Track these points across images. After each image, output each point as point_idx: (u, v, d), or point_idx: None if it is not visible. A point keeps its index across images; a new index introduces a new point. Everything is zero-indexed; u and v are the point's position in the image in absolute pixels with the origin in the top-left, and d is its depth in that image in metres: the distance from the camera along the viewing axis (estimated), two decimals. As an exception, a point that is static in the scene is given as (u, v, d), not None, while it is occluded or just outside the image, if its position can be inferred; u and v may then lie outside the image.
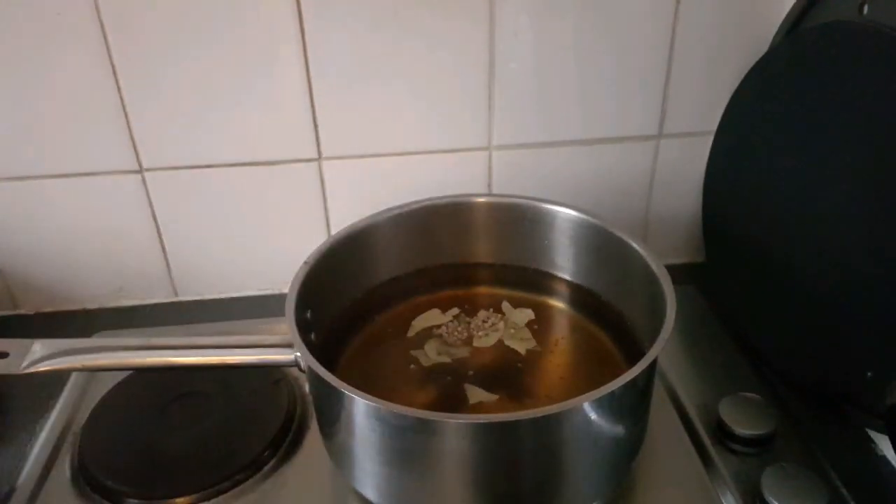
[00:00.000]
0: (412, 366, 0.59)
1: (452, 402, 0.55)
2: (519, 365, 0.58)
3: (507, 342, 0.60)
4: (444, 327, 0.62)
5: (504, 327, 0.62)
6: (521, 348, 0.60)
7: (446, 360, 0.59)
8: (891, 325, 0.53)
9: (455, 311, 0.64)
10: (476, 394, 0.55)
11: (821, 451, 0.56)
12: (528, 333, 0.61)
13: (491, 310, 0.64)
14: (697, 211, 0.76)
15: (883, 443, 0.58)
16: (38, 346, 0.52)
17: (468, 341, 0.61)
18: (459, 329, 0.62)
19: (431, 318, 0.63)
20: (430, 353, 0.59)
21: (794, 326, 0.62)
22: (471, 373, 0.57)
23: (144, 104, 0.67)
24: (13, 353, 0.51)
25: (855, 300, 0.56)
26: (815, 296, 0.60)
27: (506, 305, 0.64)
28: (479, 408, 0.54)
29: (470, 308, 0.64)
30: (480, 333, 0.61)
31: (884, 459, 0.57)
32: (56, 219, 0.73)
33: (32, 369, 0.51)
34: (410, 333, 0.62)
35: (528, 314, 0.62)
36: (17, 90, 0.66)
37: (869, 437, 0.58)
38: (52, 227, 0.73)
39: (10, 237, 0.74)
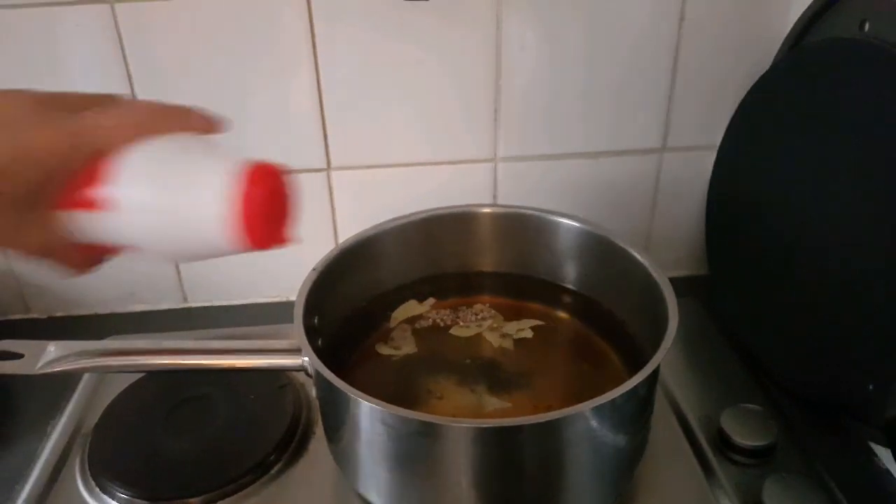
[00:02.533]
0: (393, 359, 0.60)
1: (457, 405, 0.56)
2: (522, 372, 0.59)
3: (485, 334, 0.62)
4: (431, 316, 0.64)
5: (490, 325, 0.63)
6: (495, 342, 0.61)
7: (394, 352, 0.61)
8: (892, 337, 0.53)
9: (432, 300, 0.65)
10: (490, 402, 0.56)
11: (821, 463, 0.56)
12: (510, 340, 0.62)
13: (488, 304, 0.65)
14: (700, 223, 0.77)
15: (884, 455, 0.58)
16: (53, 348, 0.53)
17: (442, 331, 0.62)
18: (446, 318, 0.64)
19: (409, 309, 0.64)
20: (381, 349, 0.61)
21: (795, 338, 0.63)
22: (480, 379, 0.58)
23: (158, 113, 0.68)
24: (28, 354, 0.53)
25: (857, 313, 0.56)
26: (816, 308, 0.60)
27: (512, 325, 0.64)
28: (487, 414, 0.55)
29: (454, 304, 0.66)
30: (461, 323, 0.63)
31: (885, 472, 0.57)
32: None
33: (47, 370, 0.52)
34: (392, 325, 0.63)
35: (527, 333, 0.63)
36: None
37: (870, 450, 0.59)
38: (65, 232, 0.74)
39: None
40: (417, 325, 0.63)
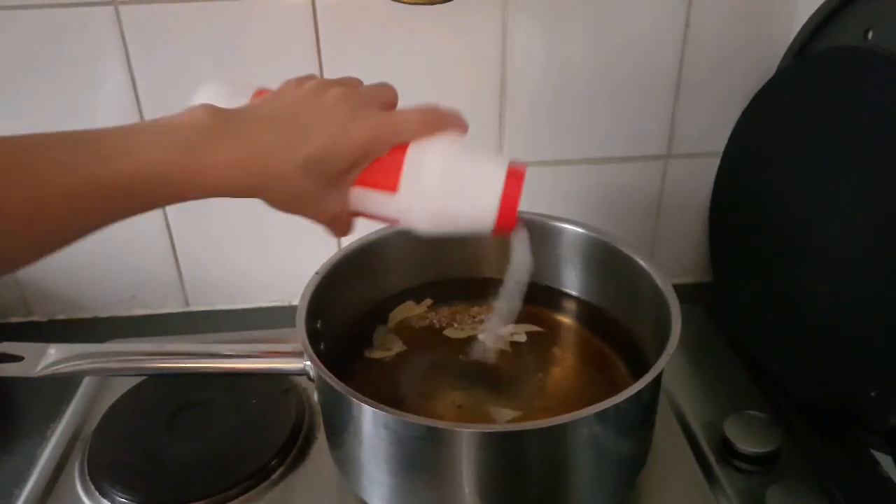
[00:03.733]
0: (392, 362, 0.60)
1: (459, 409, 0.55)
2: (525, 377, 0.59)
3: (480, 337, 0.62)
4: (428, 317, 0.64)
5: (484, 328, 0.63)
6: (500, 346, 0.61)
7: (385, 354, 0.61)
8: (896, 345, 0.53)
9: (428, 301, 0.65)
10: (501, 414, 0.55)
11: (825, 470, 0.56)
12: (504, 343, 0.62)
13: (486, 309, 0.65)
14: (704, 230, 0.77)
15: (887, 463, 0.58)
16: (53, 350, 0.53)
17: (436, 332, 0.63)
18: (443, 321, 0.64)
19: (406, 309, 0.64)
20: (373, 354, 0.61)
21: (799, 346, 0.63)
22: (482, 384, 0.58)
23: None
24: (28, 356, 0.53)
25: (860, 320, 0.56)
26: (820, 315, 0.60)
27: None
28: (489, 418, 0.55)
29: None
30: (456, 325, 0.63)
31: (888, 479, 0.57)
32: (71, 227, 0.74)
33: (48, 372, 0.52)
34: (389, 325, 0.63)
35: (520, 337, 0.62)
36: (38, 104, 0.67)
37: (873, 457, 0.59)
38: (67, 235, 0.74)
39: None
40: (415, 326, 0.63)
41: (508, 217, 0.45)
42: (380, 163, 0.43)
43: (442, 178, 0.44)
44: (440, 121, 0.45)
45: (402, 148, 0.44)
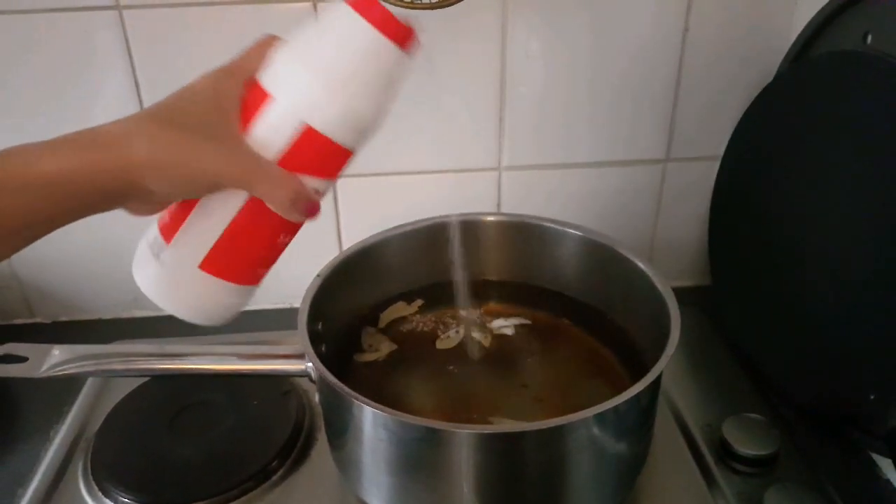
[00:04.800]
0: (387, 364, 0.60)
1: (460, 415, 0.56)
2: (525, 380, 0.59)
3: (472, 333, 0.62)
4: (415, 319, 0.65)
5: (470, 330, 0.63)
6: (485, 342, 0.62)
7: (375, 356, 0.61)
8: (894, 348, 0.53)
9: (419, 302, 0.66)
10: (501, 417, 0.56)
11: (823, 473, 0.56)
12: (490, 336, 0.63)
13: (473, 307, 0.65)
14: (703, 234, 0.77)
15: (885, 465, 0.58)
16: (57, 352, 0.53)
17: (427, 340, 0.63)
18: (428, 319, 0.65)
19: (397, 310, 0.65)
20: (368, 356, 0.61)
21: (798, 348, 0.63)
22: (479, 384, 0.58)
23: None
24: (33, 357, 0.53)
25: (859, 323, 0.57)
26: (819, 319, 0.60)
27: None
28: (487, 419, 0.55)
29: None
30: (443, 336, 0.63)
31: (886, 482, 0.57)
32: (73, 228, 0.73)
33: (52, 373, 0.52)
34: (380, 325, 0.64)
35: (508, 330, 0.63)
36: (41, 109, 0.68)
37: (871, 459, 0.59)
38: (68, 236, 0.73)
39: (28, 246, 0.75)
40: (405, 326, 0.64)
41: (388, 22, 0.43)
42: (245, 99, 0.41)
43: (302, 57, 0.42)
44: (269, 41, 0.45)
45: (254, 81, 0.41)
